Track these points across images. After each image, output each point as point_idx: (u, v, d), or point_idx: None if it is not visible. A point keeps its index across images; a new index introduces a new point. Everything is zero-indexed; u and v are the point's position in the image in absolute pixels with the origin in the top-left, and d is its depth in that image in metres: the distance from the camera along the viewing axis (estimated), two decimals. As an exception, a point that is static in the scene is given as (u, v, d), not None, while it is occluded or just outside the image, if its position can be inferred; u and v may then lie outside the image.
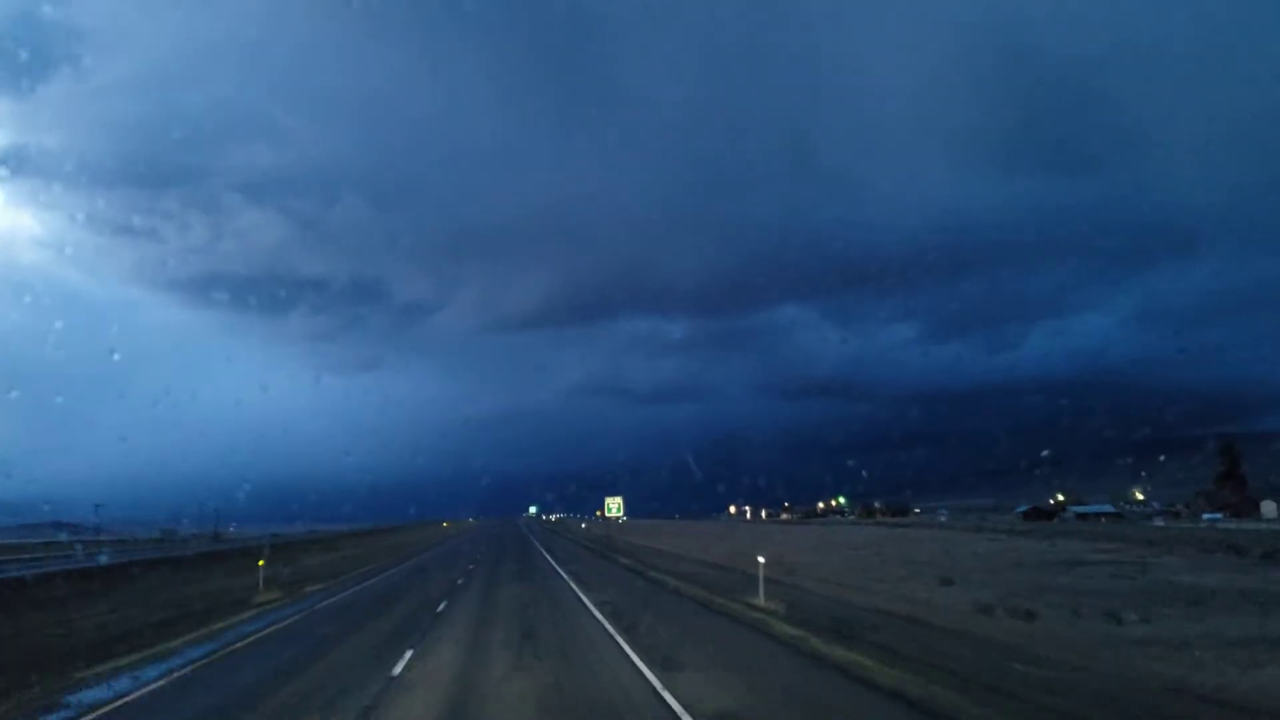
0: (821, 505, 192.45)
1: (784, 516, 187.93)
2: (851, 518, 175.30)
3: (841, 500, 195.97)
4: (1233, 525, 72.29)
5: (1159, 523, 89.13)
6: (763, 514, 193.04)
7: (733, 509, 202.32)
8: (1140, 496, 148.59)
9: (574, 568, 39.98)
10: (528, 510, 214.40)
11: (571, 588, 29.30)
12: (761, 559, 25.74)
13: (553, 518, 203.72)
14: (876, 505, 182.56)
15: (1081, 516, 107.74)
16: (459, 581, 32.89)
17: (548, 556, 50.89)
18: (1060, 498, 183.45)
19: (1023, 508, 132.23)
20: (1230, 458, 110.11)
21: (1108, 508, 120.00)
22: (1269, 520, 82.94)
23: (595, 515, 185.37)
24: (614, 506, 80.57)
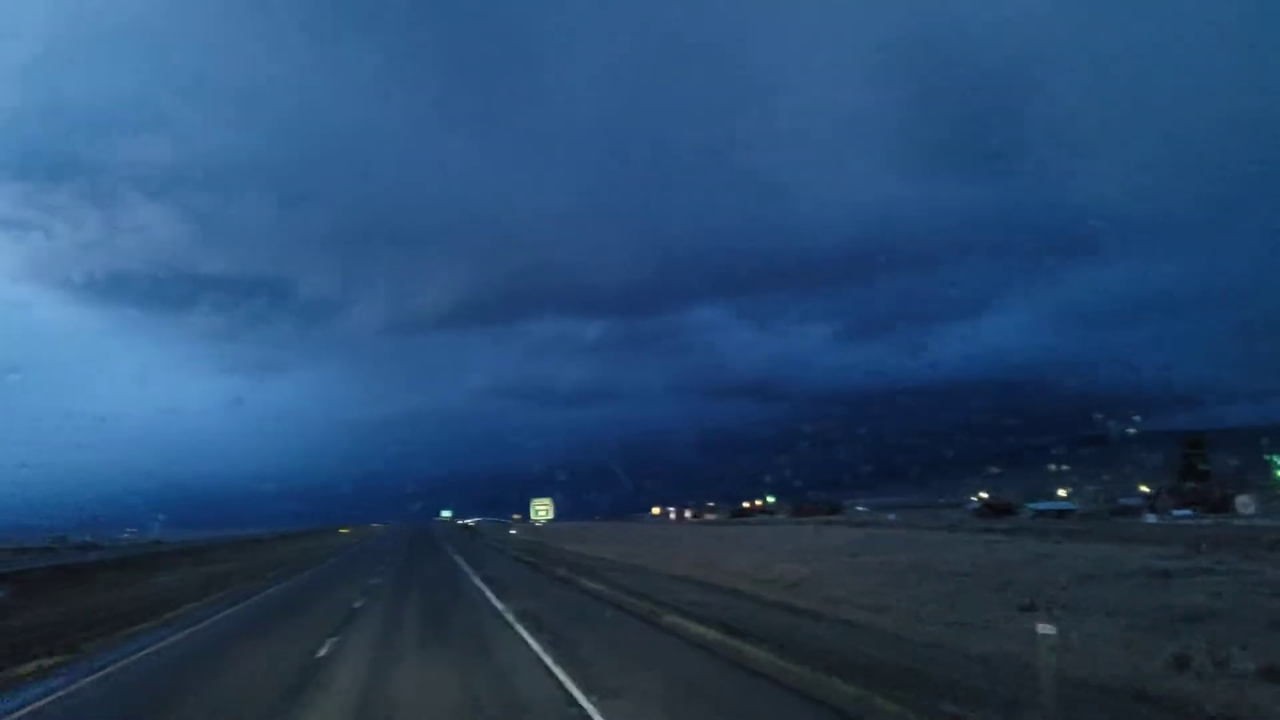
0: (747, 504, 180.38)
1: (709, 517, 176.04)
2: (781, 516, 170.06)
3: (770, 499, 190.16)
4: (1242, 522, 66.05)
5: (1151, 519, 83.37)
6: (687, 514, 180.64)
7: (656, 510, 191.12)
8: (1063, 493, 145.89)
9: (530, 605, 24.62)
10: (440, 514, 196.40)
11: (560, 684, 13.70)
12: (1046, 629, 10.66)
13: (471, 522, 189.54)
14: (809, 502, 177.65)
15: (1041, 514, 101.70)
16: (322, 652, 17.44)
17: (477, 580, 35.68)
18: (984, 495, 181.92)
19: (973, 504, 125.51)
20: (1197, 451, 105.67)
21: (1067, 505, 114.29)
22: (1248, 516, 77.90)
23: (513, 518, 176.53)
24: (542, 509, 69.78)
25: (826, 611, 22.72)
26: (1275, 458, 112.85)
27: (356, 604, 27.12)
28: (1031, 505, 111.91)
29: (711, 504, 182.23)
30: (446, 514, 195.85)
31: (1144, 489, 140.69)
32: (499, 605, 25.30)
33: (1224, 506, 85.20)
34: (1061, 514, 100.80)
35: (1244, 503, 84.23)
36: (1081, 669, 13.88)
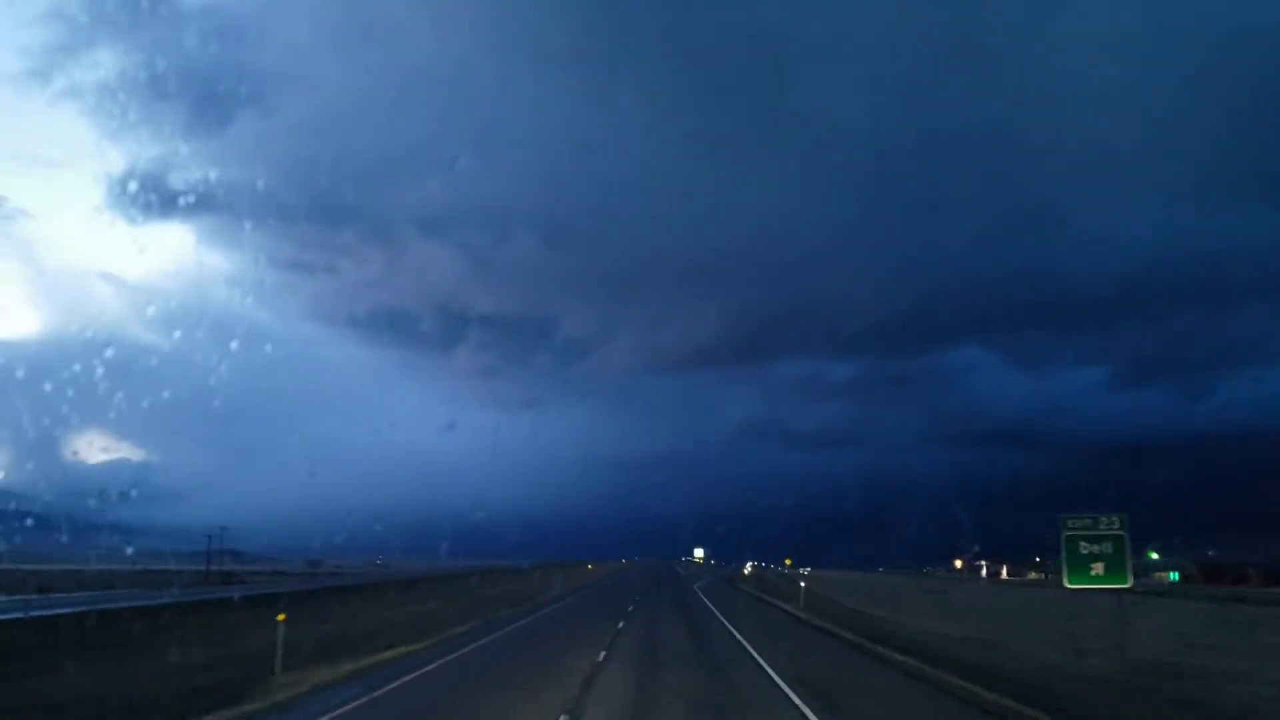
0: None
1: (1033, 576, 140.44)
2: (1178, 580, 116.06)
3: (1155, 556, 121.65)
4: None
5: None
6: (1003, 573, 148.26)
7: (959, 563, 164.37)
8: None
9: None
10: (693, 554, 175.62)
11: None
12: None
13: (746, 569, 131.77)
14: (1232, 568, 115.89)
15: None
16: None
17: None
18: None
19: None
20: None
21: None
22: None
23: (767, 565, 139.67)
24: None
25: None
26: None
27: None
28: None
29: (1038, 559, 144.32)
30: (698, 554, 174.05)
31: None
32: None
33: None
34: None
35: None
36: None
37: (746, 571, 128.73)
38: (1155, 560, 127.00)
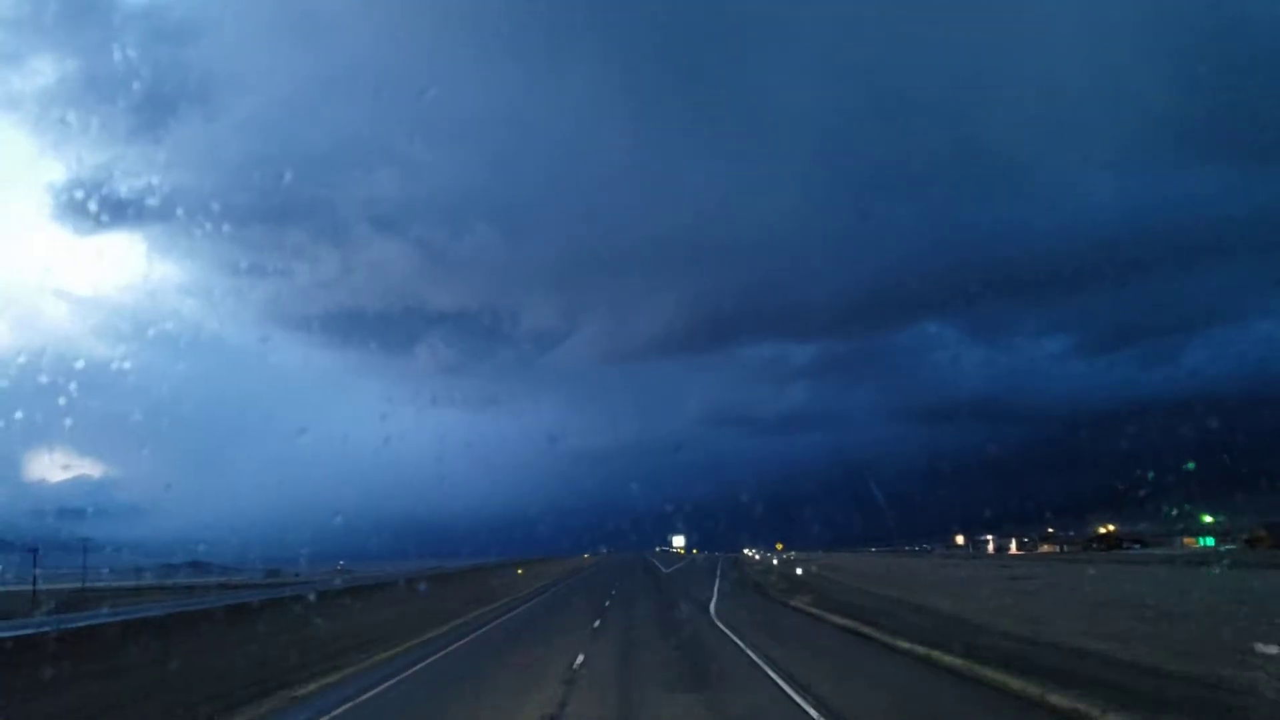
0: (1103, 530, 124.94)
1: (1046, 549, 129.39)
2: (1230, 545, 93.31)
3: (1209, 519, 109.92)
4: None
5: None
6: (1012, 546, 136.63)
7: (960, 538, 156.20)
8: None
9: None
10: (670, 542, 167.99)
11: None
12: None
13: (797, 570, 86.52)
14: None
15: None
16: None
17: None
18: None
19: None
20: None
21: None
22: None
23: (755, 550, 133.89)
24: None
25: None
26: None
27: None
28: None
29: (1051, 530, 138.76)
30: (679, 543, 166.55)
31: None
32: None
33: None
34: None
35: None
36: None
37: (798, 571, 73.35)
38: (1209, 523, 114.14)
